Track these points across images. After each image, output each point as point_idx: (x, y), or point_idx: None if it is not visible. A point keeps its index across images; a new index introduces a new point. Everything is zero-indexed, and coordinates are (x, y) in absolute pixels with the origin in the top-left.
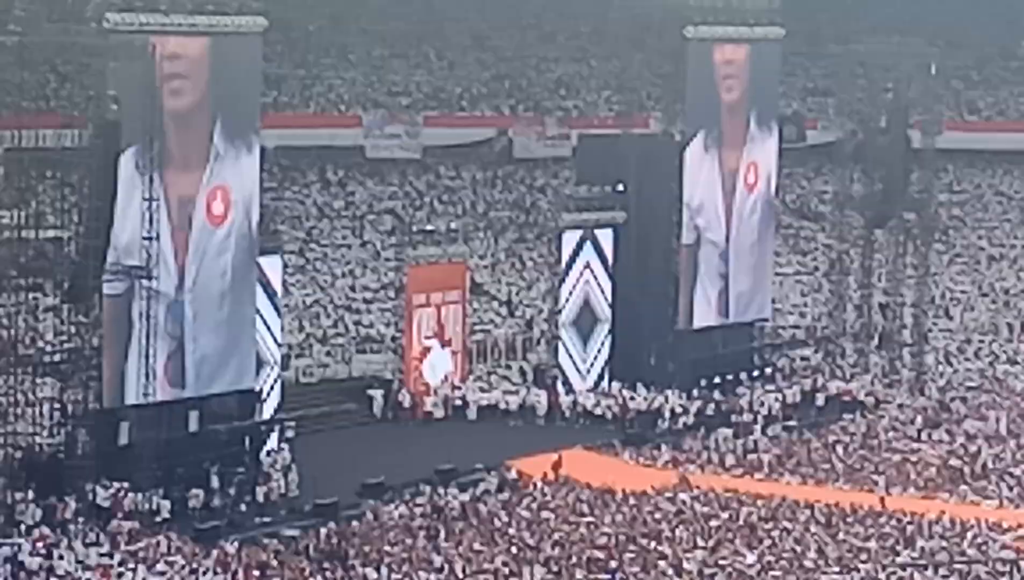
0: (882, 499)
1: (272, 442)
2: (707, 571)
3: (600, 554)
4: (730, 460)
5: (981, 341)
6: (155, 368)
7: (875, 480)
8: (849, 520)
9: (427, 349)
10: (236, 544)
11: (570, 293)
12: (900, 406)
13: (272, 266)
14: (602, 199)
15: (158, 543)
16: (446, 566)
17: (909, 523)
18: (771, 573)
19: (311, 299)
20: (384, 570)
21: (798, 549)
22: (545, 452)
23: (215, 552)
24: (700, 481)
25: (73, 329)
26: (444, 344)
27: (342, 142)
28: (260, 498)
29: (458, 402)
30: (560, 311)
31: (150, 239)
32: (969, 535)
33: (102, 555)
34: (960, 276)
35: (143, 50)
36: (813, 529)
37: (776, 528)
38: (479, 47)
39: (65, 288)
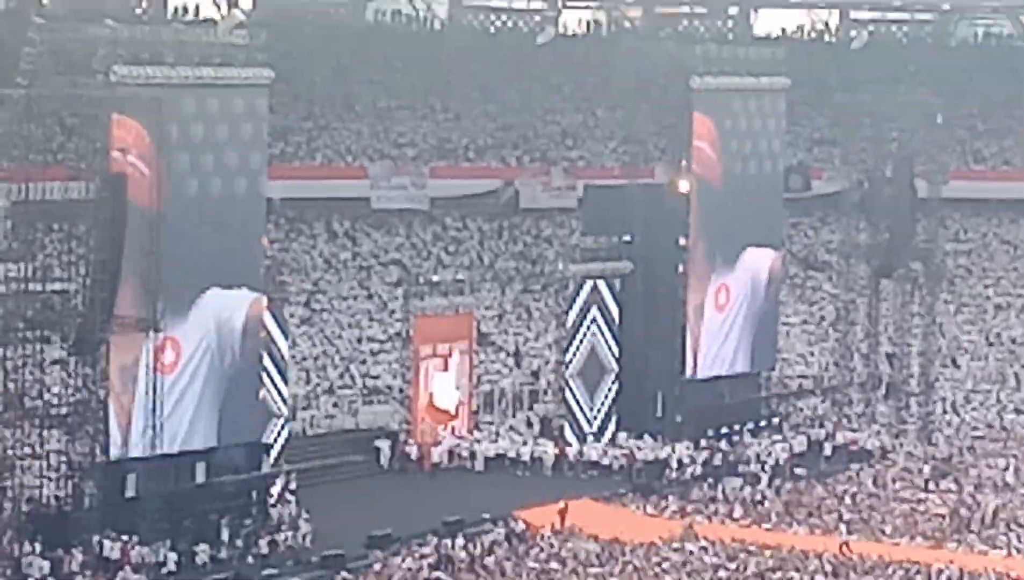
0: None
1: (279, 494)
2: None
3: None
4: (738, 510)
5: (988, 390)
6: (161, 421)
7: (883, 530)
8: (857, 570)
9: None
10: None
11: (577, 344)
12: (907, 455)
13: (279, 318)
14: (608, 249)
15: None
16: None
17: (917, 573)
18: None
19: (318, 350)
20: None
21: None
22: (552, 503)
23: None
24: (708, 531)
25: (80, 381)
26: (450, 394)
27: (348, 193)
28: (267, 550)
29: (465, 453)
30: (567, 362)
31: (156, 293)
32: None
33: None
34: (967, 325)
35: (149, 102)
36: None
37: (784, 578)
38: (485, 98)
39: (71, 340)
